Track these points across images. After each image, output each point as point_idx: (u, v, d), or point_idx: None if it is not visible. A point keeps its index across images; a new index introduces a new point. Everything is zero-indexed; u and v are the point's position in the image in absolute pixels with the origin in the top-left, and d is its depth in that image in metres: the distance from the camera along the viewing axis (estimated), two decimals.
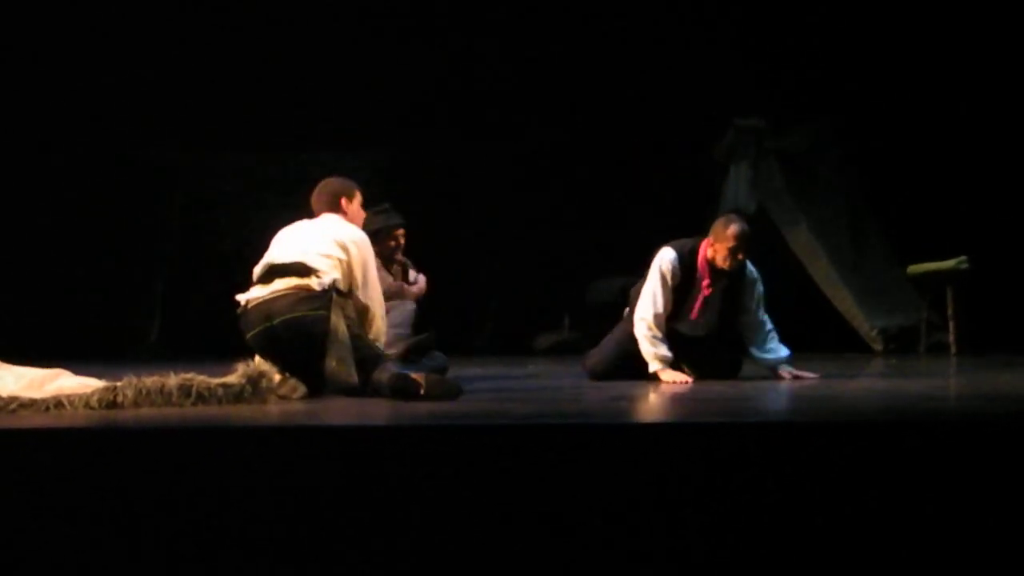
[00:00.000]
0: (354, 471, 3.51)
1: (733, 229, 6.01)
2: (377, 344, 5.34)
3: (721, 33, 9.97)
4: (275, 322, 5.13)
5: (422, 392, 4.81)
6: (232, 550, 3.45)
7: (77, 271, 9.87)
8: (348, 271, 5.29)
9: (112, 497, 3.47)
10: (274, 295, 5.17)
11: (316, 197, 5.59)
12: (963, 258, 8.91)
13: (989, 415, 4.07)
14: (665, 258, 6.13)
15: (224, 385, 4.80)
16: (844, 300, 9.66)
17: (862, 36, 9.94)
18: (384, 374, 5.00)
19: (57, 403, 4.50)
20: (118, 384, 4.67)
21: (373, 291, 5.38)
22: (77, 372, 4.90)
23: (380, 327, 5.42)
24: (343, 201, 5.54)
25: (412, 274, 6.58)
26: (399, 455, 3.56)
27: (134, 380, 4.68)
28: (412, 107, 10.13)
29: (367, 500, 3.47)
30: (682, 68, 9.94)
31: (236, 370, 4.92)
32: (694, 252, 6.12)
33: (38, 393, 4.57)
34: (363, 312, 5.34)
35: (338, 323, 5.09)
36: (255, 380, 4.87)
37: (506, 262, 10.25)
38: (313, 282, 5.16)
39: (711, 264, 6.08)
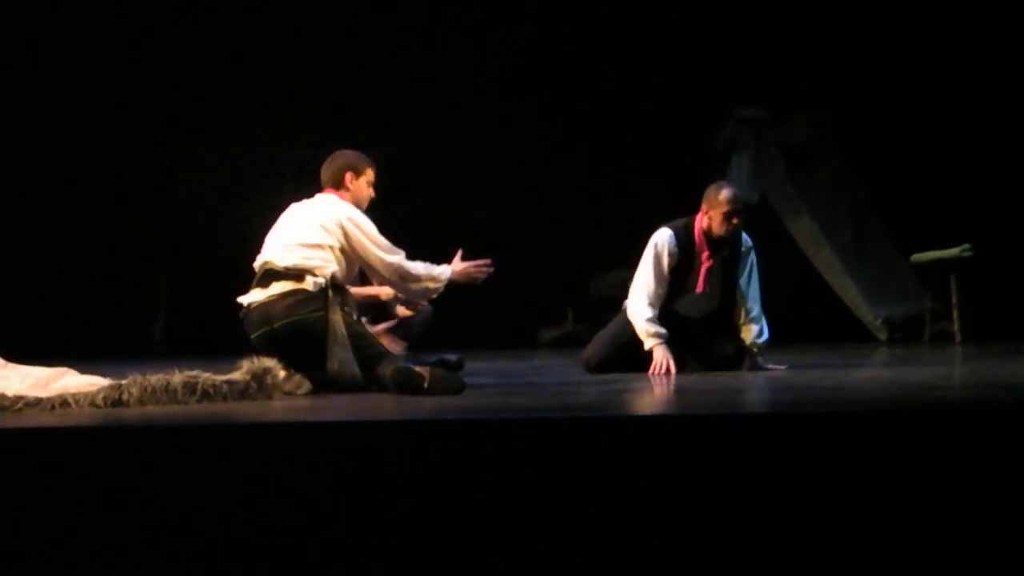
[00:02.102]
0: (359, 466, 3.52)
1: (726, 194, 6.04)
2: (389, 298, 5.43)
3: (720, 23, 9.96)
4: (275, 326, 5.14)
5: (426, 386, 4.81)
6: (238, 547, 3.46)
7: (80, 270, 9.88)
8: (347, 250, 5.29)
9: (118, 495, 3.48)
10: (271, 298, 5.18)
11: (324, 169, 5.53)
12: (967, 246, 8.90)
13: (994, 404, 4.06)
14: (662, 237, 6.13)
15: (229, 382, 4.81)
16: (847, 290, 9.66)
17: (862, 24, 9.93)
18: (388, 368, 5.00)
19: (62, 402, 4.51)
20: (123, 382, 4.68)
21: (375, 260, 5.33)
22: (82, 371, 4.91)
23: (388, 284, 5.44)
24: (348, 176, 5.48)
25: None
26: (403, 450, 3.57)
27: (139, 378, 4.68)
28: (412, 103, 10.12)
29: (372, 495, 3.48)
30: (682, 60, 9.93)
31: (241, 367, 4.93)
32: (690, 227, 6.13)
33: (43, 392, 4.58)
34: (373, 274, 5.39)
35: (337, 323, 5.09)
36: (260, 376, 4.88)
37: (509, 256, 10.25)
38: (309, 283, 5.15)
39: (707, 234, 6.09)
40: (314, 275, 5.17)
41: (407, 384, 4.86)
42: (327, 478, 3.49)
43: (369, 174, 5.54)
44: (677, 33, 9.94)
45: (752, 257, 6.18)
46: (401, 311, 6.37)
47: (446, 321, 6.68)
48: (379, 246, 5.34)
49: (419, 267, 5.43)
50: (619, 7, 10.05)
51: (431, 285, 5.44)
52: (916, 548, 3.38)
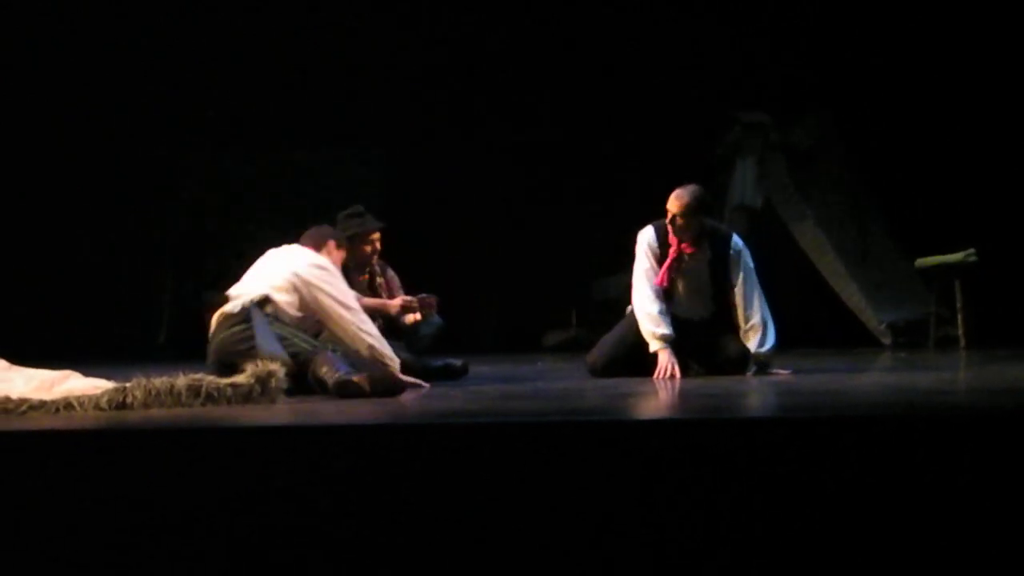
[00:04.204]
0: (364, 470, 3.52)
1: (671, 196, 6.13)
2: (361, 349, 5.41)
3: (724, 27, 9.96)
4: (210, 360, 5.25)
5: (368, 391, 4.98)
6: (242, 550, 3.45)
7: (85, 272, 9.88)
8: (304, 294, 5.41)
9: (122, 498, 3.48)
10: (211, 333, 5.33)
11: (308, 233, 5.79)
12: (971, 251, 8.88)
13: (998, 409, 4.06)
14: (643, 235, 6.26)
15: (233, 385, 4.82)
16: (852, 294, 9.65)
17: (866, 27, 9.92)
18: (329, 375, 5.08)
19: (67, 405, 4.51)
20: (127, 385, 4.68)
21: (330, 309, 5.43)
22: (86, 373, 4.91)
23: (350, 335, 5.44)
24: (331, 244, 5.76)
25: (382, 280, 6.54)
26: (408, 454, 3.57)
27: (143, 381, 4.69)
28: (414, 104, 10.13)
29: (377, 499, 3.47)
30: (686, 63, 9.93)
31: (245, 370, 4.93)
32: (667, 225, 6.22)
33: (48, 395, 4.58)
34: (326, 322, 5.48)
35: (258, 328, 5.17)
36: (264, 380, 4.88)
37: (513, 259, 10.26)
38: (230, 306, 5.30)
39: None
40: (242, 297, 5.32)
41: (348, 394, 4.99)
42: (331, 482, 3.49)
43: (344, 252, 5.88)
44: (682, 36, 9.94)
45: (744, 260, 6.19)
46: (409, 319, 6.39)
47: (451, 325, 6.68)
48: (339, 298, 5.46)
49: (371, 328, 5.52)
50: (622, 11, 10.04)
51: (375, 345, 5.45)
52: (922, 552, 3.38)
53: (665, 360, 6.01)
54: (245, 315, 5.23)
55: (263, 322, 5.21)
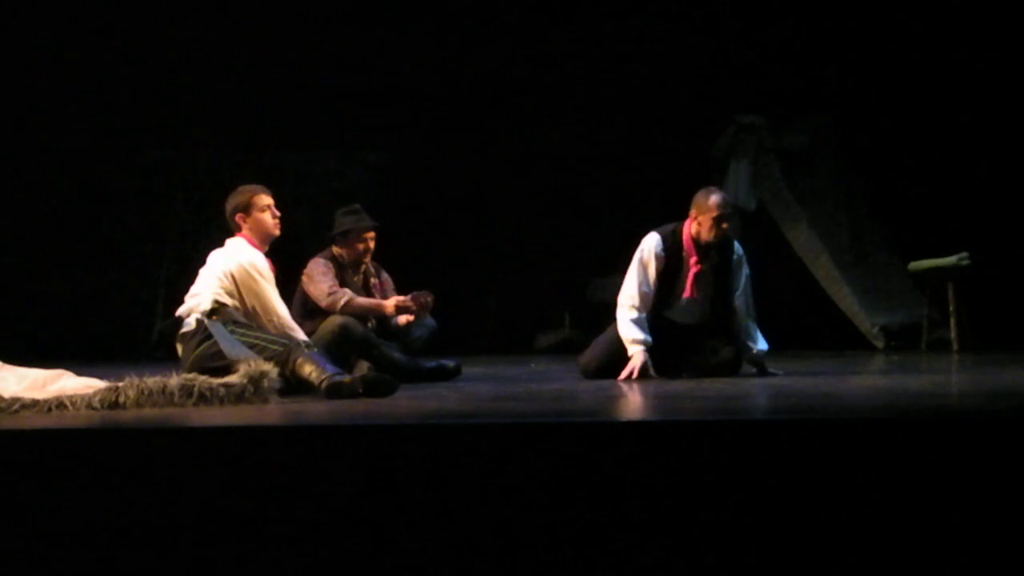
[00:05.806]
0: (356, 470, 3.52)
1: (715, 199, 6.06)
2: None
3: (720, 30, 9.98)
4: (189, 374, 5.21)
5: (360, 392, 5.02)
6: (234, 549, 3.45)
7: (78, 272, 9.87)
8: (240, 298, 5.41)
9: (114, 497, 3.48)
10: (182, 357, 5.35)
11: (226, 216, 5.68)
12: (964, 254, 8.91)
13: (991, 412, 4.07)
14: (649, 242, 6.16)
15: (226, 385, 4.82)
16: (845, 297, 9.67)
17: (861, 31, 9.95)
18: (317, 376, 5.09)
19: (59, 404, 4.51)
20: (120, 384, 4.68)
21: (262, 312, 5.43)
22: (79, 373, 4.91)
23: (280, 327, 5.46)
24: (239, 218, 5.60)
25: (376, 281, 6.53)
26: (401, 454, 3.57)
27: (136, 380, 4.69)
28: (413, 108, 10.13)
29: (369, 498, 3.48)
30: (682, 66, 9.94)
31: (237, 370, 4.94)
32: (678, 232, 6.15)
33: (40, 394, 4.58)
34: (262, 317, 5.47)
35: (221, 339, 5.19)
36: (257, 380, 4.89)
37: (507, 261, 10.27)
38: (186, 326, 5.33)
39: (696, 240, 6.11)
40: (193, 312, 5.34)
41: (340, 396, 5.00)
42: (323, 482, 3.49)
43: (259, 202, 5.62)
44: (676, 38, 9.95)
45: (745, 268, 6.19)
46: (403, 320, 6.39)
47: (445, 327, 6.68)
48: (271, 300, 5.46)
49: (289, 321, 5.54)
50: (620, 15, 10.05)
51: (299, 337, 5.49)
52: (912, 554, 3.39)
53: (634, 361, 5.99)
54: (204, 331, 5.26)
55: (222, 332, 5.22)
